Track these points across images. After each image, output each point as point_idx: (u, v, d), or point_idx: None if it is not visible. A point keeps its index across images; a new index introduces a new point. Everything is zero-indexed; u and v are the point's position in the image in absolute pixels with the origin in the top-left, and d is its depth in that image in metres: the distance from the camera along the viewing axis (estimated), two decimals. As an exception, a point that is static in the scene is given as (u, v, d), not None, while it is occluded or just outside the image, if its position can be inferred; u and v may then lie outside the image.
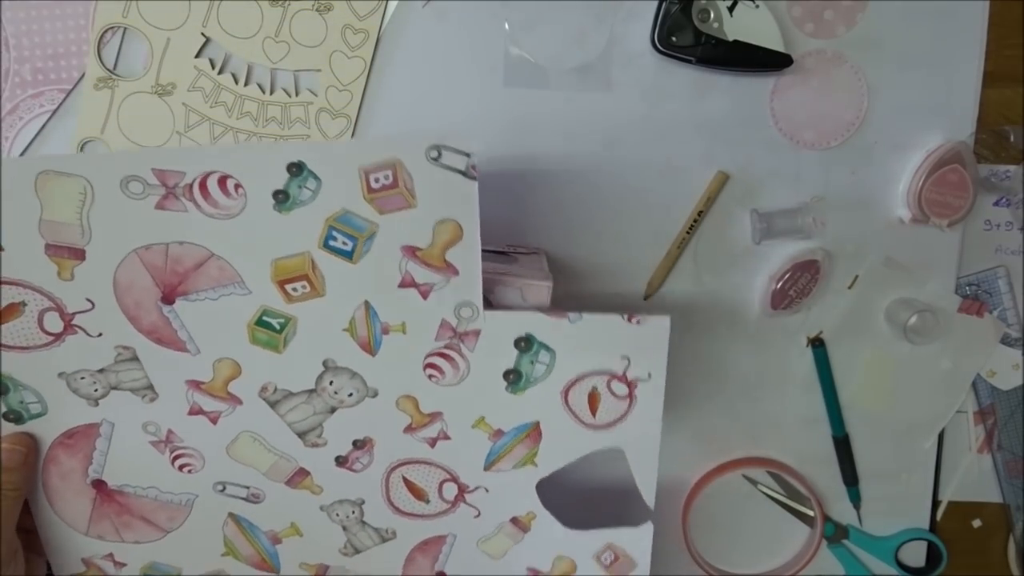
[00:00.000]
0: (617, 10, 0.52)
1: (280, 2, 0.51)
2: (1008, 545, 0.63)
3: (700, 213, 0.55)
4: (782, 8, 0.52)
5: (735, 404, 0.59)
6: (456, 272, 0.44)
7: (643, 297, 0.57)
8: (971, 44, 0.54)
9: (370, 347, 0.46)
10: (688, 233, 0.55)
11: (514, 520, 0.51)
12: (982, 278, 0.58)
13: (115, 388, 0.46)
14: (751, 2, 0.51)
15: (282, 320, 0.45)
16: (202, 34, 0.51)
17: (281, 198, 0.42)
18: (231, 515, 0.50)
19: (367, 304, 0.45)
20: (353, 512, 0.50)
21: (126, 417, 0.47)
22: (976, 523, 0.63)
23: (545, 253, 0.54)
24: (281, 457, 0.48)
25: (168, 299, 0.44)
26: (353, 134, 0.53)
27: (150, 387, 0.46)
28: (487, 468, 0.49)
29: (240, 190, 0.42)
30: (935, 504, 0.62)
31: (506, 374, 0.46)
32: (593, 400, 0.47)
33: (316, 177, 0.42)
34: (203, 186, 0.42)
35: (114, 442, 0.48)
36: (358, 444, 0.48)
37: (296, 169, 0.42)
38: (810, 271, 0.56)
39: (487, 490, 0.50)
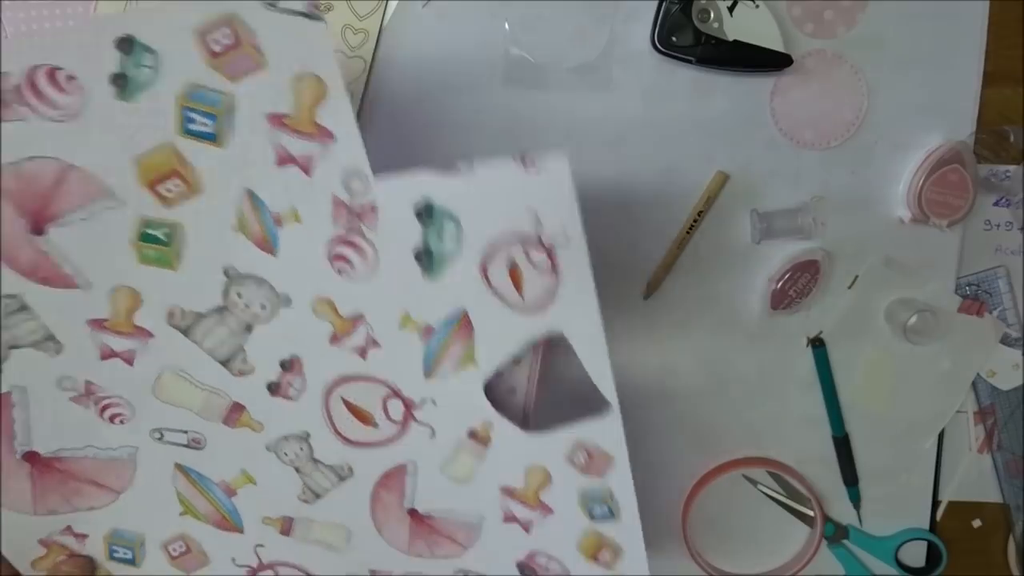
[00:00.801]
0: (617, 10, 0.52)
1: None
2: (1008, 545, 0.63)
3: (700, 213, 0.55)
4: (782, 8, 0.52)
5: (735, 404, 0.59)
6: (331, 136, 0.41)
7: (643, 297, 0.57)
8: (971, 44, 0.54)
9: (268, 244, 0.43)
10: (688, 233, 0.55)
11: (472, 434, 0.47)
12: (982, 278, 0.58)
13: (14, 347, 0.43)
14: (751, 2, 0.51)
15: (166, 230, 0.42)
16: (202, 34, 0.51)
17: (121, 83, 0.39)
18: (178, 466, 0.48)
19: (250, 193, 0.42)
20: (301, 448, 0.48)
21: (36, 378, 0.44)
22: (976, 523, 0.63)
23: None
24: (211, 392, 0.46)
25: (37, 228, 0.41)
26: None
27: (51, 337, 0.44)
28: (428, 375, 0.46)
29: (74, 82, 0.39)
30: (935, 504, 0.62)
31: (417, 256, 0.43)
32: (515, 276, 0.43)
33: (150, 50, 0.38)
34: (32, 86, 0.38)
35: (32, 408, 0.45)
36: (286, 365, 0.46)
37: (126, 45, 0.38)
38: (810, 271, 0.56)
39: (434, 402, 0.47)
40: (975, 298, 0.58)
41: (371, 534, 0.50)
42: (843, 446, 0.60)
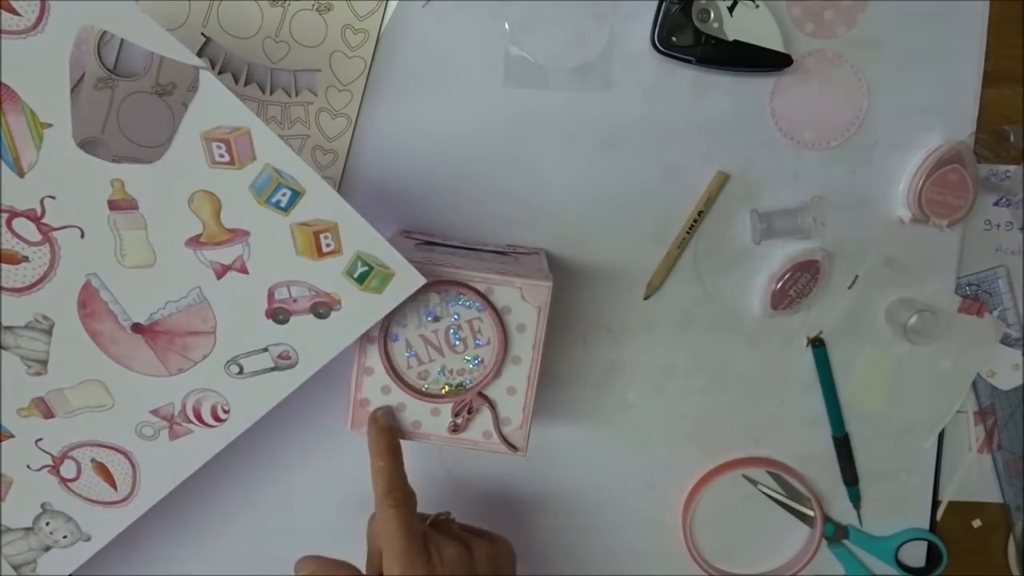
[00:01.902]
0: (617, 10, 0.52)
1: (280, 2, 0.51)
2: (1008, 545, 0.63)
3: (700, 213, 0.55)
4: (782, 8, 0.52)
5: (735, 404, 0.59)
6: None
7: (643, 297, 0.57)
8: (971, 44, 0.54)
9: None
10: (688, 233, 0.55)
11: (112, 204, 0.41)
12: (982, 278, 0.58)
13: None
14: (751, 2, 0.51)
15: None
16: (202, 34, 0.51)
17: None
18: None
19: None
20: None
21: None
22: (976, 523, 0.63)
23: (545, 253, 0.54)
24: None
25: None
26: (353, 134, 0.53)
27: None
28: (23, 172, 0.40)
29: None
30: (935, 504, 0.62)
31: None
32: None
33: None
34: None
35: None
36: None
37: None
38: (810, 271, 0.56)
39: (53, 197, 0.41)
40: (975, 298, 0.58)
41: (124, 375, 0.45)
42: (843, 446, 0.60)
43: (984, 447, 0.61)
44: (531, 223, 0.55)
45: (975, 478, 0.62)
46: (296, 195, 0.39)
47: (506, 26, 0.52)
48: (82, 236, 0.41)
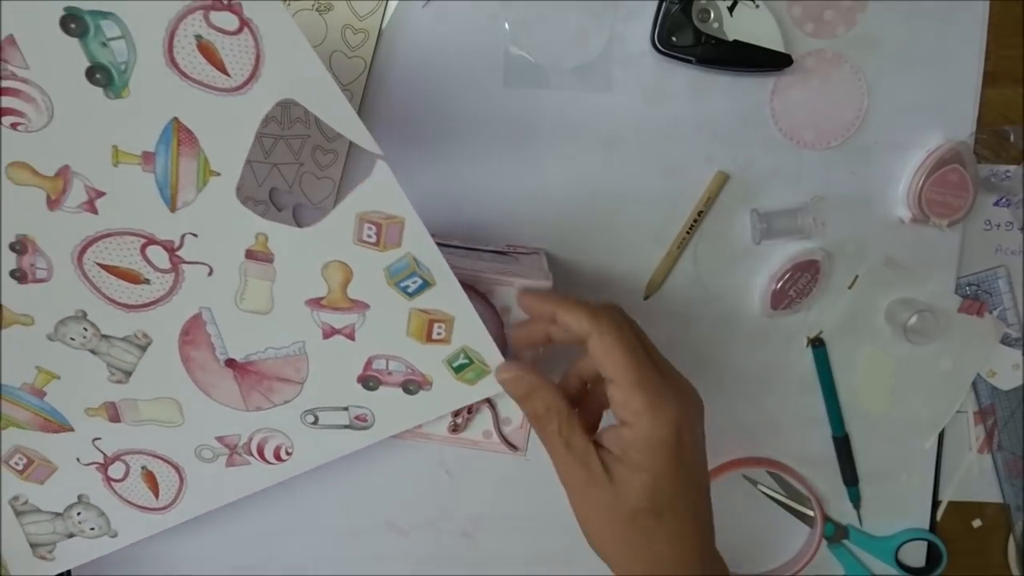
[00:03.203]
0: (617, 10, 0.52)
1: (280, 2, 0.51)
2: (1008, 545, 0.63)
3: (700, 213, 0.55)
4: (782, 8, 0.52)
5: (735, 404, 0.59)
6: None
7: (643, 297, 0.57)
8: (971, 44, 0.54)
9: None
10: (688, 233, 0.55)
11: (249, 254, 0.43)
12: (982, 278, 0.58)
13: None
14: (751, 2, 0.51)
15: None
16: (202, 34, 0.51)
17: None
18: None
19: None
20: (86, 329, 0.45)
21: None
22: (976, 523, 0.63)
23: (545, 253, 0.54)
24: None
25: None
26: (353, 134, 0.53)
27: None
28: (172, 207, 0.41)
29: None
30: (935, 504, 0.62)
31: (90, 76, 0.37)
32: (208, 52, 0.37)
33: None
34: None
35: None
36: (18, 248, 0.42)
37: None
38: (810, 271, 0.56)
39: (194, 235, 0.42)
40: (975, 298, 0.58)
41: (202, 400, 0.47)
42: (843, 446, 0.60)
43: (984, 447, 0.61)
44: (531, 223, 0.55)
45: (975, 478, 0.62)
46: (425, 284, 0.41)
47: (506, 26, 0.52)
48: (210, 274, 0.43)
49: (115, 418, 0.48)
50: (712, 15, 0.51)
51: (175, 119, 0.39)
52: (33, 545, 0.52)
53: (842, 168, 0.55)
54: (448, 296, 0.41)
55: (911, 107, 0.54)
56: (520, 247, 0.55)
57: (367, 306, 0.43)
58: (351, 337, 0.44)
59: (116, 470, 0.50)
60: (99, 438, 0.49)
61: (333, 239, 0.41)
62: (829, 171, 0.55)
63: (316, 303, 0.43)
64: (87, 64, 0.37)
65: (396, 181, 0.39)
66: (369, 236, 0.41)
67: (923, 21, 0.53)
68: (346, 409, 0.47)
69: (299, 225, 0.49)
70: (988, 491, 0.62)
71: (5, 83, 0.37)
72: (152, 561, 0.59)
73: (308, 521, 0.60)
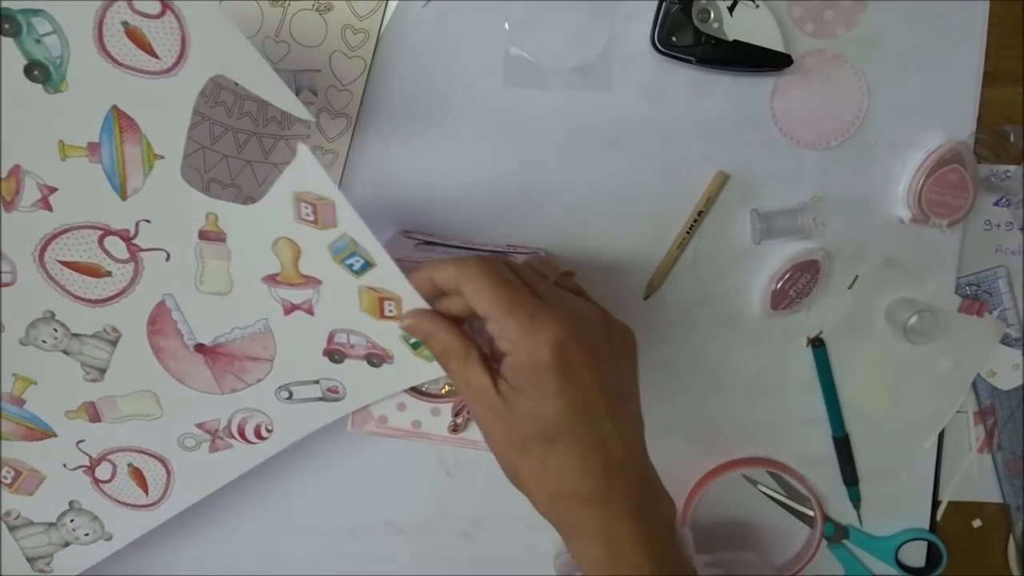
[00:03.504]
0: (617, 10, 0.52)
1: (280, 2, 0.51)
2: (1008, 545, 0.63)
3: (700, 213, 0.55)
4: (782, 8, 0.52)
5: (735, 404, 0.59)
6: None
7: (643, 297, 0.57)
8: (971, 44, 0.54)
9: None
10: (688, 233, 0.55)
11: (203, 234, 0.43)
12: (982, 278, 0.58)
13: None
14: (751, 2, 0.51)
15: None
16: (202, 34, 0.51)
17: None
18: None
19: None
20: (55, 329, 0.45)
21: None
22: (976, 523, 0.63)
23: (545, 253, 0.54)
24: None
25: None
26: (353, 134, 0.53)
27: None
28: (126, 196, 0.41)
29: None
30: (935, 504, 0.62)
31: (28, 73, 0.38)
32: (136, 37, 0.38)
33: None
34: None
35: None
36: None
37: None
38: (810, 271, 0.56)
39: (148, 220, 0.42)
40: (975, 298, 0.58)
41: (177, 389, 0.47)
42: (843, 446, 0.60)
43: (984, 447, 0.61)
44: (531, 223, 0.55)
45: (975, 478, 0.62)
46: (367, 265, 0.41)
47: (506, 26, 0.52)
48: (167, 259, 0.43)
49: (95, 417, 0.48)
50: (712, 15, 0.51)
51: (114, 107, 0.39)
52: (30, 559, 0.51)
53: (842, 168, 0.55)
54: (391, 278, 0.41)
55: (911, 107, 0.54)
56: (520, 247, 0.55)
57: (319, 282, 0.43)
58: (310, 312, 0.44)
59: (103, 471, 0.50)
60: (82, 440, 0.48)
61: (276, 216, 0.41)
62: (829, 171, 0.55)
63: (272, 279, 0.44)
64: (24, 62, 0.38)
65: (318, 164, 0.39)
66: (307, 215, 0.41)
67: (923, 21, 0.53)
68: (317, 382, 0.47)
69: None
70: (988, 491, 0.62)
71: None
72: (152, 563, 0.59)
73: (308, 521, 0.60)
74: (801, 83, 0.54)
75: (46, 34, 0.38)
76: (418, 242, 0.52)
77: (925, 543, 0.62)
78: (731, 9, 0.51)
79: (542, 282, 0.42)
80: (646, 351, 0.58)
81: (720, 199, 0.55)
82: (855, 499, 0.61)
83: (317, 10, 0.51)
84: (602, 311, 0.42)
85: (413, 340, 0.44)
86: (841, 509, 0.62)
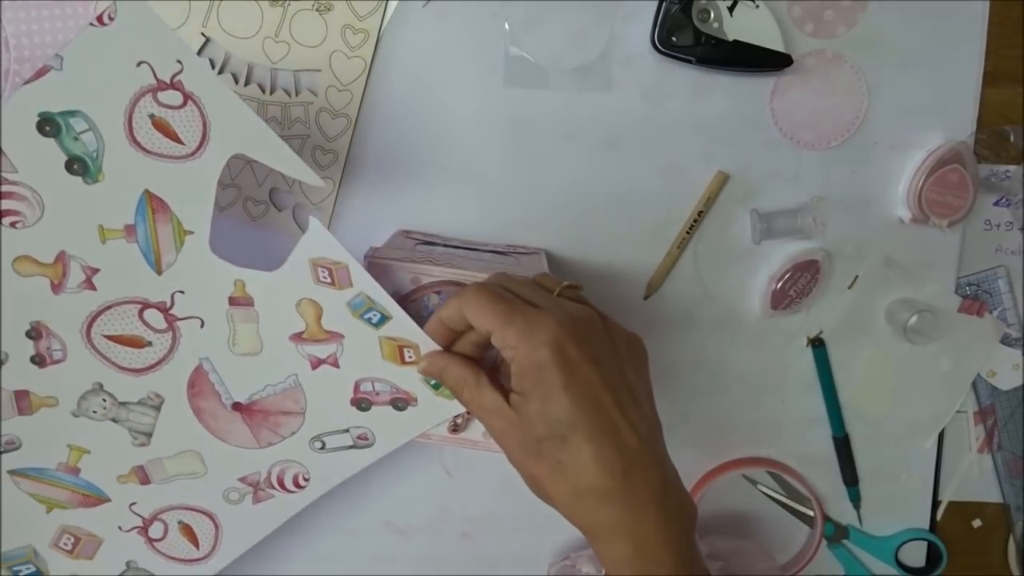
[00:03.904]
0: (617, 10, 0.52)
1: (280, 2, 0.51)
2: (1008, 545, 0.63)
3: (700, 213, 0.55)
4: (782, 8, 0.52)
5: (735, 404, 0.59)
6: None
7: (643, 297, 0.57)
8: (971, 44, 0.54)
9: None
10: (688, 233, 0.55)
11: (233, 301, 0.46)
12: (982, 278, 0.58)
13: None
14: (751, 2, 0.51)
15: None
16: (202, 34, 0.51)
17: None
18: (11, 472, 0.49)
19: None
20: (104, 400, 0.48)
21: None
22: (976, 523, 0.63)
23: (545, 253, 0.54)
24: None
25: None
26: (353, 134, 0.53)
27: None
28: (161, 271, 0.45)
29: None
30: (935, 504, 0.62)
31: (69, 168, 0.43)
32: (163, 127, 0.42)
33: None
34: None
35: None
36: (33, 335, 0.46)
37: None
38: (810, 271, 0.56)
39: (182, 292, 0.46)
40: (975, 298, 0.58)
41: (219, 446, 0.50)
42: (843, 446, 0.60)
43: (984, 447, 0.61)
44: (531, 223, 0.55)
45: (975, 478, 0.62)
46: (384, 318, 0.44)
47: (506, 26, 0.52)
48: (202, 326, 0.47)
49: (145, 480, 0.50)
50: (712, 15, 0.51)
51: (146, 191, 0.43)
52: None
53: (842, 168, 0.55)
54: (407, 328, 0.44)
55: (911, 107, 0.54)
56: (520, 247, 0.55)
57: (342, 336, 0.46)
58: (335, 365, 0.47)
59: (156, 530, 0.52)
60: (135, 502, 0.51)
61: (297, 280, 0.45)
62: (829, 171, 0.55)
63: (298, 337, 0.47)
64: (64, 158, 0.42)
65: (330, 234, 0.43)
66: (325, 278, 0.44)
67: (923, 21, 0.53)
68: (347, 431, 0.49)
69: (299, 225, 0.50)
70: (988, 491, 0.62)
71: (4, 187, 0.42)
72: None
73: (308, 521, 0.60)
74: (801, 83, 0.54)
75: (83, 132, 0.42)
76: (418, 242, 0.52)
77: (925, 543, 0.62)
78: (731, 9, 0.51)
79: (542, 294, 0.42)
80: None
81: (720, 199, 0.55)
82: (855, 499, 0.61)
83: (317, 10, 0.51)
84: (602, 315, 0.43)
85: (433, 382, 0.46)
86: (841, 509, 0.62)
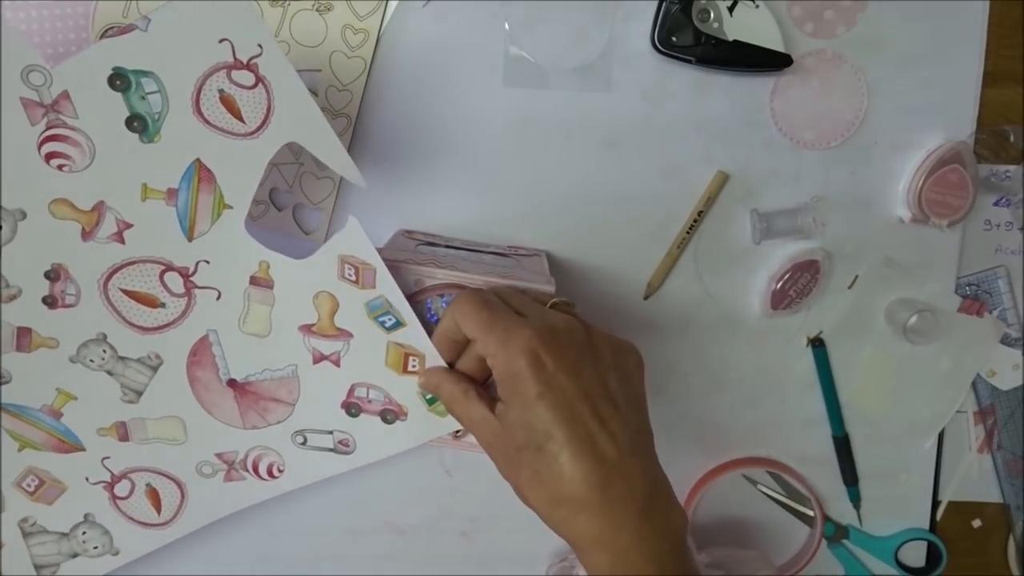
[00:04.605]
0: (617, 10, 0.52)
1: (280, 2, 0.51)
2: (1008, 545, 0.63)
3: (700, 213, 0.55)
4: (782, 8, 0.52)
5: (735, 404, 0.59)
6: None
7: (643, 297, 0.57)
8: (971, 44, 0.54)
9: None
10: (688, 233, 0.55)
11: (253, 280, 0.47)
12: (982, 278, 0.58)
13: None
14: (751, 2, 0.51)
15: None
16: (202, 34, 0.51)
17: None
18: None
19: None
20: (104, 351, 0.48)
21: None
22: (976, 523, 0.63)
23: (546, 254, 0.54)
24: None
25: None
26: (353, 134, 0.53)
27: None
28: (190, 237, 0.46)
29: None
30: (935, 504, 0.62)
31: (128, 124, 0.43)
32: (229, 103, 0.43)
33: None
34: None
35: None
36: (51, 275, 0.46)
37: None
38: (810, 271, 0.56)
39: (207, 262, 0.47)
40: (975, 298, 0.58)
41: (204, 418, 0.50)
42: (843, 446, 0.60)
43: (984, 447, 0.61)
44: (531, 223, 0.55)
45: (975, 478, 0.62)
46: (399, 324, 0.45)
47: (506, 26, 0.52)
48: (218, 298, 0.47)
49: (124, 437, 0.50)
50: (712, 15, 0.51)
51: (197, 160, 0.44)
52: (38, 567, 0.53)
53: (842, 168, 0.55)
54: (418, 338, 0.45)
55: (911, 107, 0.55)
56: (521, 248, 0.55)
57: (351, 335, 0.47)
58: (337, 364, 0.48)
59: (122, 488, 0.52)
60: (108, 457, 0.51)
61: (322, 272, 0.45)
62: (829, 171, 0.55)
63: (307, 329, 0.47)
64: (127, 114, 0.43)
65: (366, 236, 0.43)
66: (350, 275, 0.45)
67: (923, 21, 0.53)
68: (331, 433, 0.50)
69: (298, 224, 0.51)
70: (988, 491, 0.62)
71: (54, 130, 0.43)
72: (153, 563, 0.59)
73: (308, 521, 0.60)
74: (801, 83, 0.54)
75: (151, 92, 0.43)
76: (420, 243, 0.52)
77: (925, 543, 0.62)
78: (731, 9, 0.51)
79: (530, 303, 0.43)
80: (646, 351, 0.58)
81: (720, 199, 0.55)
82: (855, 499, 0.61)
83: (317, 10, 0.51)
84: (587, 325, 0.42)
85: (429, 396, 0.47)
86: (841, 509, 0.62)
